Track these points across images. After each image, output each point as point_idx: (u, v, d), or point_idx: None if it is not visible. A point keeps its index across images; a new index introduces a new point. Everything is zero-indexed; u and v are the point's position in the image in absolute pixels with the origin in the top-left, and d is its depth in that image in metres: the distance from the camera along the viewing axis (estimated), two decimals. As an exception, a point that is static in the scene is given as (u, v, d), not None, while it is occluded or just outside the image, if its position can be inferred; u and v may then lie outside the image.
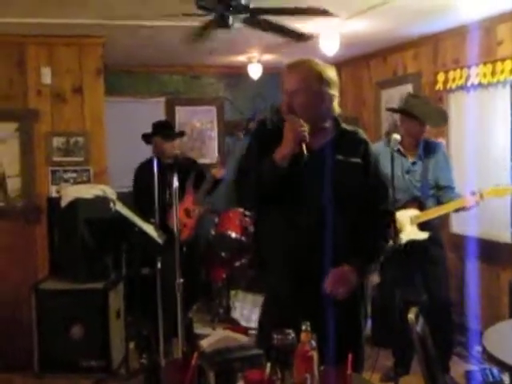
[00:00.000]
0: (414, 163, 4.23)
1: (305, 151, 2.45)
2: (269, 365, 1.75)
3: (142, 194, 4.88)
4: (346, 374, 1.75)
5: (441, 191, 4.21)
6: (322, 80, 2.54)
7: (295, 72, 2.56)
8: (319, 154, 2.58)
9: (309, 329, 2.09)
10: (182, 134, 5.33)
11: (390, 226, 2.88)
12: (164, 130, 5.05)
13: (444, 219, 4.54)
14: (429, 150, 4.24)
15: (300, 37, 4.25)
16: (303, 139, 2.45)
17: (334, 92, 2.59)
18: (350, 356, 1.77)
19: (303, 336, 2.07)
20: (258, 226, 2.82)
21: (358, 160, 2.59)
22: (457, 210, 4.13)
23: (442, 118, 4.37)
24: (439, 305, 4.16)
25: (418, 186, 4.22)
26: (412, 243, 4.16)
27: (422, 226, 4.16)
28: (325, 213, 2.52)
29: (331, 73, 2.59)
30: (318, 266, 2.53)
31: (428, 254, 4.22)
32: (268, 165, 2.48)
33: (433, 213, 4.15)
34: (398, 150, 4.16)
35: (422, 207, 4.18)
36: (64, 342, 4.55)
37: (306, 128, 2.47)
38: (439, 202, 4.20)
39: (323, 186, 2.52)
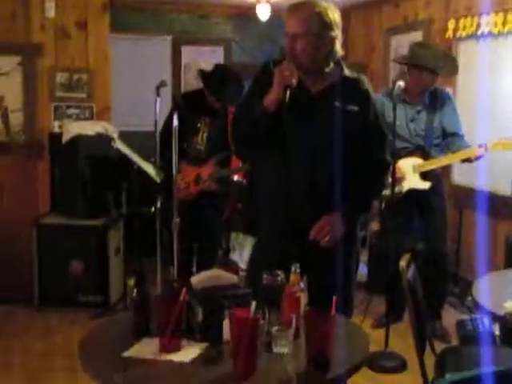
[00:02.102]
0: (418, 111, 4.17)
1: (287, 98, 2.44)
2: (254, 303, 1.77)
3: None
4: (329, 316, 1.77)
5: (448, 138, 4.16)
6: (322, 22, 2.48)
7: (295, 15, 2.50)
8: (317, 98, 2.57)
9: (298, 270, 2.11)
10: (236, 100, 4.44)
11: (386, 176, 2.87)
12: (223, 91, 4.41)
13: (445, 169, 4.50)
14: (435, 98, 4.17)
15: None
16: (288, 85, 2.44)
17: (336, 33, 2.53)
18: (334, 298, 1.78)
19: (292, 277, 2.10)
20: (253, 171, 2.84)
21: (355, 108, 2.56)
22: (462, 161, 4.09)
23: (452, 66, 4.27)
24: (435, 254, 4.18)
25: (422, 135, 4.17)
26: (413, 192, 4.16)
27: (425, 176, 4.14)
28: (318, 158, 2.52)
29: (333, 13, 2.52)
30: (309, 211, 2.54)
31: (429, 203, 4.21)
32: (257, 109, 2.49)
33: (436, 162, 4.12)
34: (404, 99, 4.11)
35: (425, 156, 4.15)
36: (63, 277, 4.64)
37: (294, 74, 2.45)
38: (448, 150, 4.15)
39: (318, 131, 2.51)
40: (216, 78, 4.50)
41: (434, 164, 4.12)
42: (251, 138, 2.61)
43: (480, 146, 3.92)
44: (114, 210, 4.77)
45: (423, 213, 4.28)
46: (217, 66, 4.74)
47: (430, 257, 4.14)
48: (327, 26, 2.49)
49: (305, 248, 2.57)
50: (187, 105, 4.49)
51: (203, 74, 4.54)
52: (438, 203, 4.24)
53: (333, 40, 2.52)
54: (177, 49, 6.88)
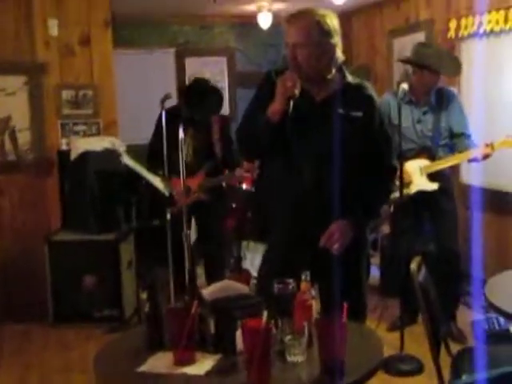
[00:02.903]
0: (425, 112, 4.16)
1: (290, 108, 2.45)
2: (265, 313, 1.77)
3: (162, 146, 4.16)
4: (341, 322, 1.77)
5: (455, 139, 4.14)
6: (322, 30, 2.49)
7: (295, 24, 2.51)
8: (321, 106, 2.58)
9: (308, 278, 2.12)
10: (215, 111, 4.61)
11: (393, 181, 2.88)
12: (201, 104, 4.46)
13: (453, 169, 4.49)
14: (442, 98, 4.16)
15: None
16: (291, 95, 2.45)
17: (336, 40, 2.54)
18: (344, 305, 1.79)
19: (303, 285, 2.10)
20: (259, 180, 2.86)
21: (359, 114, 2.57)
22: (469, 161, 4.07)
23: (455, 67, 4.27)
24: (447, 255, 4.15)
25: (429, 136, 4.16)
26: (422, 194, 4.14)
27: (433, 177, 4.13)
28: (324, 165, 2.52)
29: (331, 20, 2.53)
30: (318, 218, 2.55)
31: (438, 205, 4.19)
32: (261, 120, 2.50)
33: (443, 163, 4.11)
34: (410, 100, 4.11)
35: (432, 157, 4.14)
36: (77, 293, 4.65)
37: (296, 84, 2.46)
38: (454, 151, 4.14)
39: (323, 139, 2.52)
40: (194, 91, 4.59)
41: (440, 164, 4.11)
42: (255, 149, 2.63)
43: (486, 145, 3.91)
44: (124, 224, 4.80)
45: (433, 214, 4.26)
46: (195, 80, 4.81)
47: (441, 257, 4.13)
48: (327, 33, 2.50)
49: (314, 256, 2.57)
50: (172, 118, 4.55)
51: (181, 90, 4.61)
52: (448, 204, 4.21)
53: (333, 47, 2.54)
54: (181, 61, 6.91)
